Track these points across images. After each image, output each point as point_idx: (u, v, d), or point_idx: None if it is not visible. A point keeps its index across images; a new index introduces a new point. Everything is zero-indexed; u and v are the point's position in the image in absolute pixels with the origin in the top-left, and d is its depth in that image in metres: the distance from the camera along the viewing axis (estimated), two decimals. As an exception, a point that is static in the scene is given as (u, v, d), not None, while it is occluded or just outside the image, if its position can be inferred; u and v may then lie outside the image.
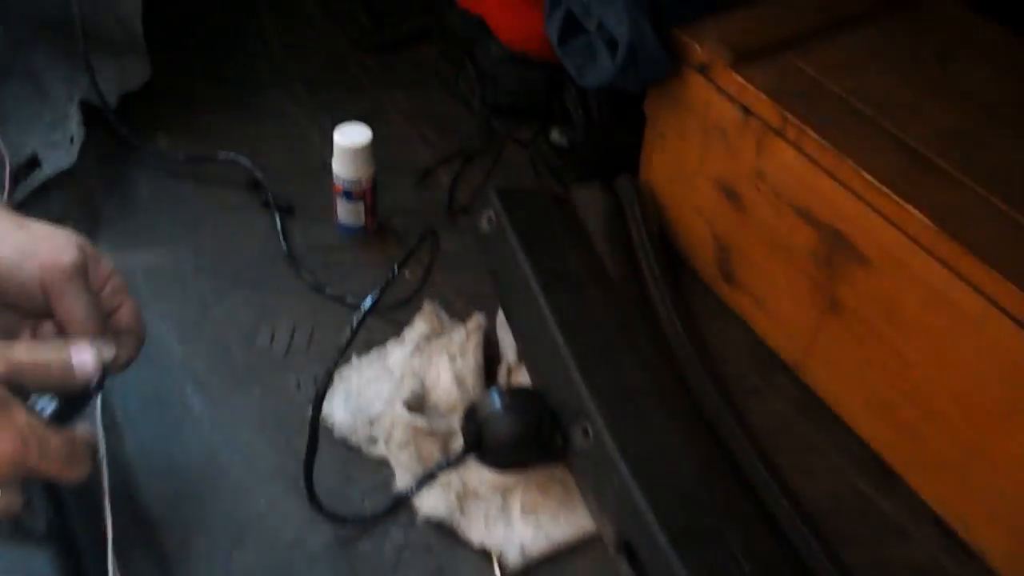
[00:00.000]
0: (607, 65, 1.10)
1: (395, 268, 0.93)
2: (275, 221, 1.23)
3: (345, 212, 1.21)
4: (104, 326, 0.70)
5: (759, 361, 1.12)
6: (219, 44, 1.52)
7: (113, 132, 1.28)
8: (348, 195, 1.19)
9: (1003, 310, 0.81)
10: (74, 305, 0.68)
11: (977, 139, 0.95)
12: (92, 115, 1.26)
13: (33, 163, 1.19)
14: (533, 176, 1.33)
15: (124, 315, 0.74)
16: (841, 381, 1.04)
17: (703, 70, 1.07)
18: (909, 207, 0.87)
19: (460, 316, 1.11)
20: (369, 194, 1.19)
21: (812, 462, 1.02)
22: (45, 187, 1.20)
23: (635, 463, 0.87)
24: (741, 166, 1.06)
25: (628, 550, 0.86)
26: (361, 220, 1.22)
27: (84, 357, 0.63)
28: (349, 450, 0.99)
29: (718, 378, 1.09)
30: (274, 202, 1.24)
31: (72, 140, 1.23)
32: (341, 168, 1.16)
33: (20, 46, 1.30)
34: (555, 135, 1.32)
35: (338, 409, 1.01)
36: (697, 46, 1.06)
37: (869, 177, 0.90)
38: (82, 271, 0.69)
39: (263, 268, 1.18)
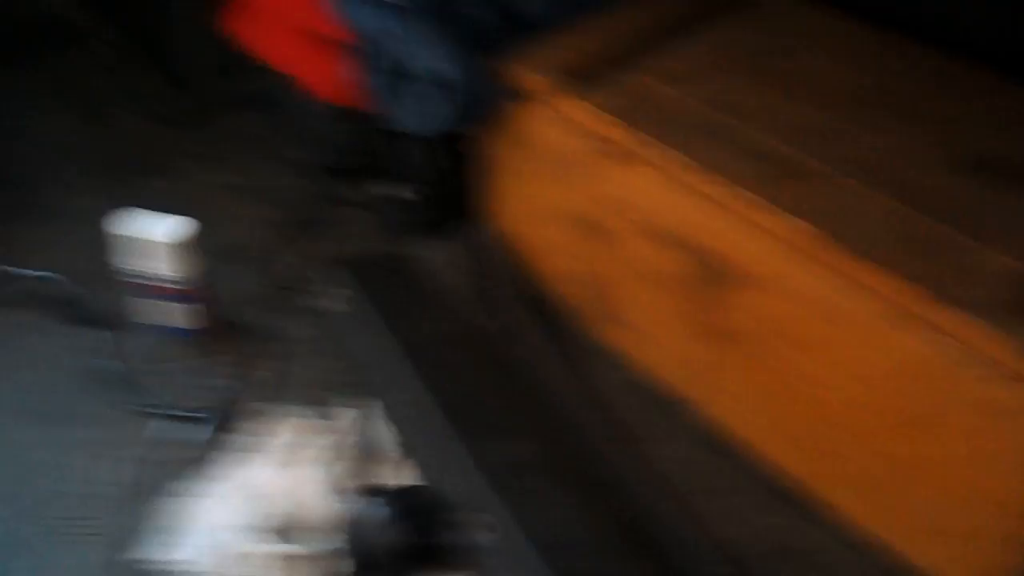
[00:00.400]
0: (444, 111, 1.00)
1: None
2: (97, 339, 1.06)
3: (174, 315, 1.06)
4: None
5: (655, 401, 1.03)
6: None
7: None
8: (178, 297, 1.04)
9: (904, 312, 0.74)
10: None
11: (840, 131, 0.89)
12: None
13: None
14: (383, 238, 1.21)
15: None
16: (747, 411, 0.96)
17: (538, 98, 0.98)
18: (783, 213, 0.80)
19: (330, 415, 0.97)
20: (208, 291, 1.05)
21: (727, 501, 0.94)
22: None
23: (550, 553, 0.76)
24: (597, 196, 0.97)
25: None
26: (198, 322, 1.07)
27: None
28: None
29: (616, 427, 1.00)
30: (91, 318, 1.08)
31: None
32: (165, 268, 1.01)
33: None
34: (389, 187, 1.21)
35: (188, 549, 0.86)
36: (530, 77, 0.97)
37: (735, 188, 0.83)
38: None
39: (84, 396, 1.01)
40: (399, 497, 0.80)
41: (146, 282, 1.02)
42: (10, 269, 1.10)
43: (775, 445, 0.95)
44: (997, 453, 0.74)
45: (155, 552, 0.82)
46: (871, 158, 0.85)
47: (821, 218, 0.79)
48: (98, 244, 1.17)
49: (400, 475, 0.89)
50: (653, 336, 1.02)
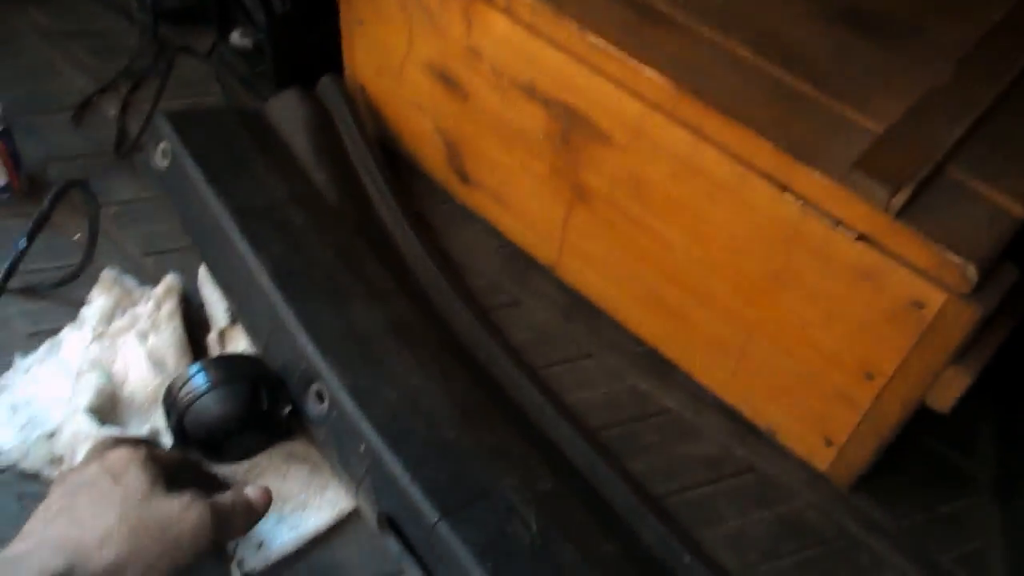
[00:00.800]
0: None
1: (24, 240, 0.70)
2: None
3: (-24, 171, 0.94)
4: None
5: (513, 267, 0.99)
6: None
7: None
8: (-27, 150, 0.92)
9: (758, 171, 0.71)
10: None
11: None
12: None
13: None
14: (220, 92, 1.11)
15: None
16: (603, 275, 0.93)
17: (389, -66, 0.88)
18: (641, 66, 0.74)
19: (153, 279, 0.89)
20: (4, 142, 0.93)
21: (587, 370, 0.92)
22: None
23: (382, 423, 0.72)
24: (452, 45, 0.90)
25: (392, 525, 0.71)
26: (3, 179, 0.95)
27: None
28: (24, 478, 0.77)
29: (470, 295, 0.95)
30: None
31: None
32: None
33: None
34: (236, 38, 1.09)
35: (2, 427, 0.78)
36: (376, -96, 0.87)
37: (593, 37, 0.76)
38: None
39: None
40: (219, 367, 0.73)
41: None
42: None
43: (630, 311, 0.92)
44: (843, 314, 0.72)
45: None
46: (740, 7, 0.80)
47: (679, 71, 0.73)
48: None
49: (230, 344, 0.83)
50: (511, 199, 0.97)
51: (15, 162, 0.96)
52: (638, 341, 0.94)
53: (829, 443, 0.82)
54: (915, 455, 0.89)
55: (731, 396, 0.88)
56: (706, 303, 0.83)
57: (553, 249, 0.96)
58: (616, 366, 0.92)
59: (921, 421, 0.75)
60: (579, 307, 0.96)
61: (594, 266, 0.93)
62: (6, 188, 0.97)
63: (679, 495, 0.83)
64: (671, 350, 0.91)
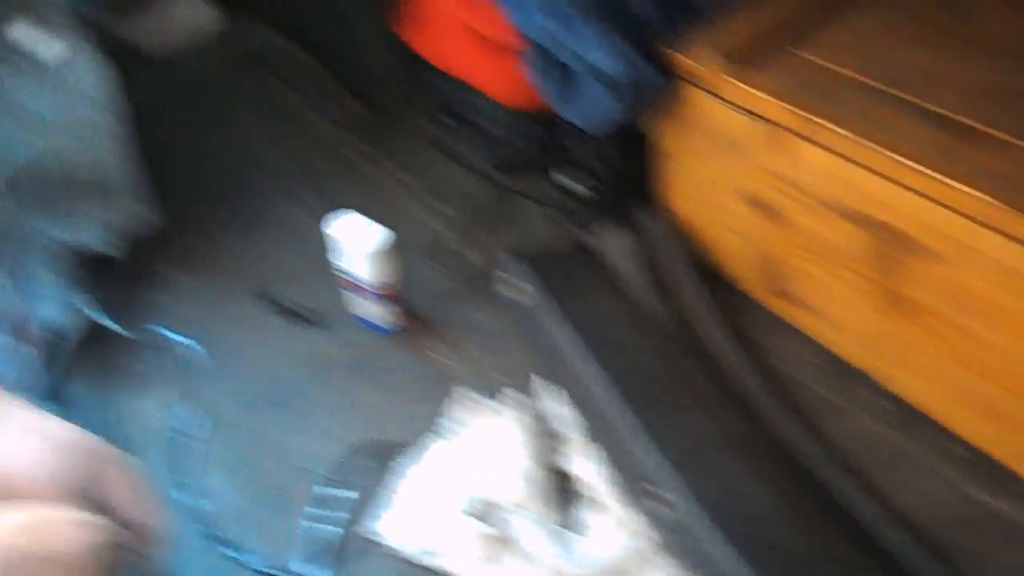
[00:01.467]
0: (611, 106, 1.03)
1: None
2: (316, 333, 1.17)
3: (371, 313, 1.15)
4: None
5: (834, 376, 1.04)
6: (210, 157, 1.48)
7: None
8: (377, 296, 1.13)
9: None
10: None
11: (1013, 91, 0.86)
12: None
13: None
14: (554, 227, 1.27)
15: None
16: (927, 382, 0.95)
17: (702, 85, 1.00)
18: (957, 184, 0.78)
19: (491, 391, 1.04)
20: (399, 295, 1.14)
21: (915, 476, 0.93)
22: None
23: (730, 527, 0.79)
24: (767, 175, 0.98)
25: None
26: (396, 320, 1.16)
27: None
28: (402, 562, 0.92)
29: (794, 405, 1.01)
30: (308, 316, 1.19)
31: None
32: (368, 273, 1.10)
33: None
34: (566, 180, 1.26)
35: (400, 529, 0.94)
36: (691, 61, 0.99)
37: (904, 159, 0.82)
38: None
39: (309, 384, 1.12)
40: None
41: (351, 280, 1.12)
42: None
43: (960, 418, 0.93)
44: None
45: (372, 529, 0.90)
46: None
47: (1001, 187, 0.77)
48: (301, 246, 1.29)
49: (584, 457, 0.95)
50: (829, 311, 1.02)
51: (404, 307, 1.16)
52: (968, 446, 0.94)
53: None
54: None
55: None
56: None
57: (874, 357, 0.99)
58: (946, 473, 0.93)
59: None
60: (904, 415, 0.98)
61: (920, 375, 0.95)
62: (398, 326, 1.17)
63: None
64: (1004, 454, 0.90)
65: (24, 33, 1.16)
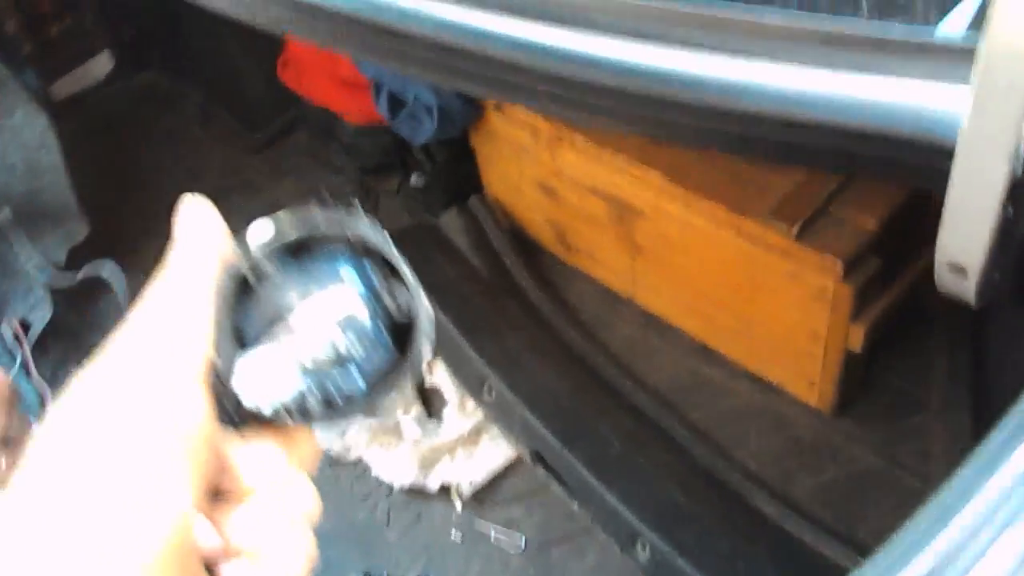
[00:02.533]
0: (429, 126, 1.47)
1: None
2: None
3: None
4: None
5: (607, 301, 1.51)
6: (131, 185, 1.84)
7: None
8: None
9: (723, 224, 1.20)
10: None
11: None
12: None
13: (24, 326, 1.52)
14: (407, 216, 1.70)
15: None
16: (661, 297, 1.43)
17: (498, 109, 1.44)
18: (652, 171, 1.25)
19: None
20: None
21: (659, 360, 1.41)
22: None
23: (532, 403, 1.25)
24: (545, 168, 1.44)
25: (540, 459, 1.24)
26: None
27: None
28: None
29: (578, 321, 1.47)
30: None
31: (44, 296, 1.56)
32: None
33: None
34: (413, 179, 1.69)
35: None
36: (487, 94, 1.44)
37: (620, 156, 1.28)
38: None
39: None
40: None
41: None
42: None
43: (684, 320, 1.42)
44: (789, 301, 1.19)
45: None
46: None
47: (672, 170, 1.24)
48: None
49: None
50: (598, 257, 1.49)
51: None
52: (690, 337, 1.42)
53: (812, 384, 1.27)
54: (883, 392, 1.32)
55: (751, 364, 1.35)
56: (718, 304, 1.31)
57: (628, 285, 1.47)
58: (674, 354, 1.41)
59: (887, 365, 1.20)
60: (652, 322, 1.46)
61: (654, 293, 1.43)
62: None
63: (721, 431, 1.31)
64: (707, 337, 1.39)
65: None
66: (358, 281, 0.38)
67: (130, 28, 1.87)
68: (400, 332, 0.39)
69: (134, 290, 1.62)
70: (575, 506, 1.23)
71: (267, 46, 1.83)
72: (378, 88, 1.51)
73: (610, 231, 1.41)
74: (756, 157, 1.16)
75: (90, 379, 0.35)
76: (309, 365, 0.37)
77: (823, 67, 0.52)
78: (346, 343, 0.37)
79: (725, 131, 0.52)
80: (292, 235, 0.39)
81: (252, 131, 1.91)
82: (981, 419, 1.22)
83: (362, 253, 0.39)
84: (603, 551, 1.20)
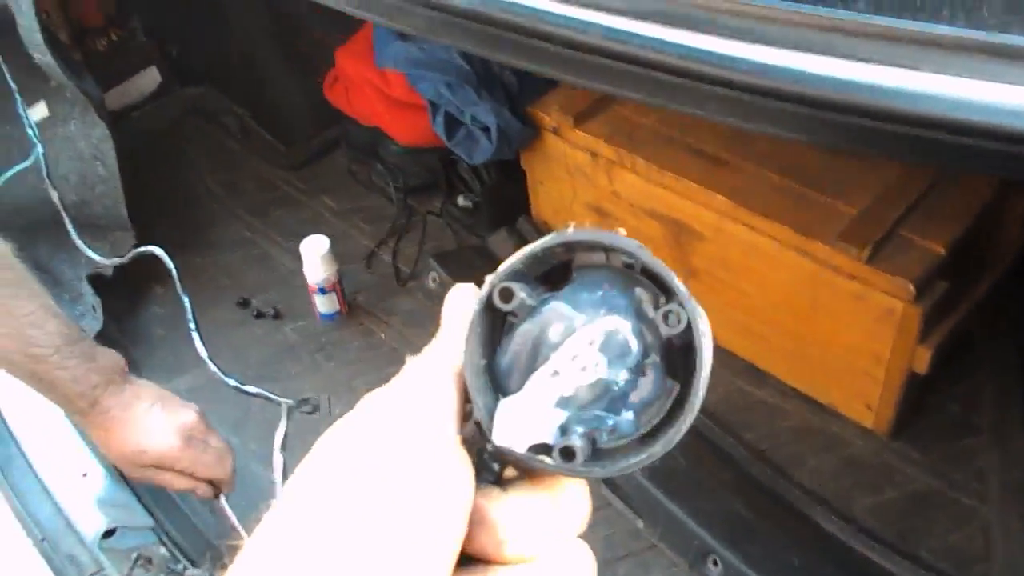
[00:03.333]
0: (486, 145, 1.49)
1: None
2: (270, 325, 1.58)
3: (322, 304, 1.57)
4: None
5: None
6: (173, 198, 1.85)
7: (118, 292, 1.60)
8: (322, 291, 1.55)
9: (794, 248, 1.23)
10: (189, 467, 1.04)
11: (749, 135, 1.37)
12: (96, 283, 1.58)
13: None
14: (452, 236, 1.71)
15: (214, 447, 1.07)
16: (713, 320, 1.45)
17: (555, 132, 1.47)
18: (713, 193, 1.28)
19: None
20: (338, 285, 1.56)
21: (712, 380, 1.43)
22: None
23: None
24: (601, 191, 1.46)
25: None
26: (336, 307, 1.58)
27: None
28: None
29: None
30: (265, 311, 1.60)
31: (94, 308, 1.55)
32: (313, 272, 1.52)
33: (21, 249, 1.61)
34: (460, 200, 1.71)
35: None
36: (547, 117, 1.46)
37: (685, 181, 1.31)
38: (186, 448, 1.02)
39: (282, 363, 1.52)
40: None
41: (312, 285, 1.54)
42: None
43: (728, 338, 1.44)
44: (853, 322, 1.22)
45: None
46: (771, 151, 1.33)
47: (736, 193, 1.27)
48: (262, 262, 1.69)
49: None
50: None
51: (343, 296, 1.58)
52: (739, 359, 1.45)
53: (869, 407, 1.30)
54: (937, 414, 1.34)
55: (805, 386, 1.38)
56: (775, 326, 1.34)
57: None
58: (727, 376, 1.43)
59: (938, 388, 1.23)
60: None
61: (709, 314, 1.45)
62: (338, 313, 1.59)
63: (776, 450, 1.32)
64: (760, 360, 1.42)
65: (39, 112, 1.52)
66: (625, 306, 0.35)
67: (177, 44, 1.88)
68: (674, 361, 0.35)
69: (173, 300, 1.63)
70: (640, 523, 1.24)
71: (310, 65, 1.85)
72: (435, 108, 1.54)
73: (664, 253, 1.43)
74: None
75: (338, 439, 0.33)
76: (572, 402, 0.34)
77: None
78: (612, 375, 0.34)
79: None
80: (547, 261, 0.37)
81: (291, 148, 1.93)
82: (1035, 442, 1.25)
83: (624, 273, 0.35)
84: (669, 568, 1.21)
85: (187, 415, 1.06)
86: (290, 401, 1.37)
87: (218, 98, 1.95)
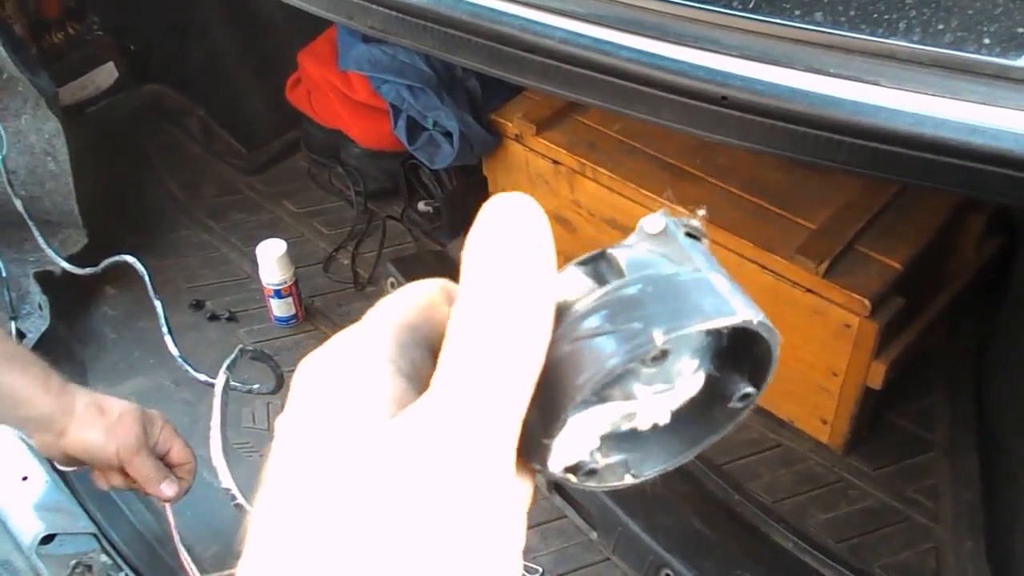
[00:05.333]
0: (448, 150, 1.48)
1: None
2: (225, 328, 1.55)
3: (278, 308, 1.54)
4: (163, 475, 1.02)
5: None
6: (129, 197, 1.81)
7: (69, 292, 1.56)
8: (278, 294, 1.52)
9: (752, 262, 1.22)
10: (140, 469, 0.99)
11: (712, 148, 1.37)
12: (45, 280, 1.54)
13: (20, 335, 1.47)
14: (412, 241, 1.69)
15: (176, 453, 1.05)
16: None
17: (518, 139, 1.46)
18: (673, 205, 1.27)
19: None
20: (294, 289, 1.53)
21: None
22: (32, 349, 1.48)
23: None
24: (562, 200, 1.45)
25: (558, 488, 1.24)
26: (292, 311, 1.55)
27: (165, 493, 1.00)
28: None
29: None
30: (219, 314, 1.57)
31: (40, 307, 1.51)
32: (269, 275, 1.50)
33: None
34: (421, 205, 1.69)
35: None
36: (509, 124, 1.45)
37: (645, 191, 1.31)
38: (143, 441, 0.99)
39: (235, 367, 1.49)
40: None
41: (267, 287, 1.51)
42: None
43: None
44: (810, 336, 1.22)
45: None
46: (732, 165, 1.33)
47: (696, 205, 1.26)
48: (219, 265, 1.66)
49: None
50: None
51: (299, 300, 1.56)
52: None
53: (824, 422, 1.30)
54: (889, 429, 1.35)
55: (762, 400, 1.37)
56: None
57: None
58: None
59: (892, 405, 1.23)
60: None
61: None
62: (293, 317, 1.56)
63: (732, 464, 1.32)
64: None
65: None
66: (709, 368, 0.32)
67: (136, 39, 1.84)
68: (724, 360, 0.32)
69: (126, 302, 1.59)
70: (593, 535, 1.23)
71: (271, 66, 1.83)
72: (397, 112, 1.52)
73: (625, 264, 1.42)
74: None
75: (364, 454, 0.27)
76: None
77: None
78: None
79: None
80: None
81: (252, 150, 1.90)
82: (986, 459, 1.25)
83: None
84: (622, 581, 1.20)
85: (154, 421, 1.04)
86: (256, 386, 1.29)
87: (177, 97, 1.92)
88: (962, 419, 1.32)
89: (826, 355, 1.22)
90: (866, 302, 1.12)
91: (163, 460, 1.04)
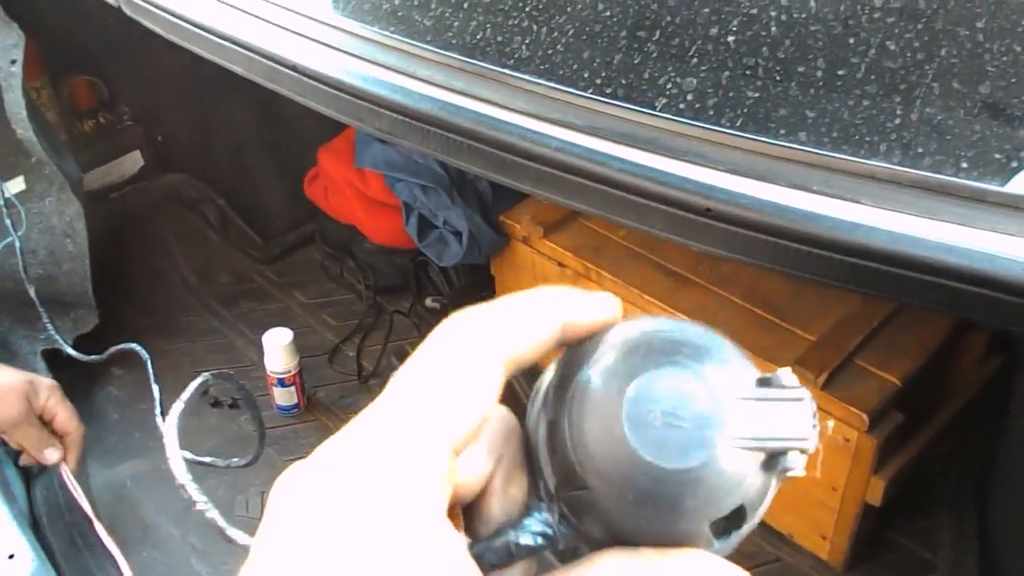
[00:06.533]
0: (456, 249, 1.50)
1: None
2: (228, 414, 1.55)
3: (280, 396, 1.55)
4: (45, 443, 1.16)
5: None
6: (143, 281, 1.84)
7: (76, 371, 1.58)
8: (281, 383, 1.53)
9: (747, 368, 1.23)
10: (23, 439, 1.17)
11: (714, 256, 1.39)
12: (53, 359, 1.56)
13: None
14: (418, 336, 1.71)
15: (61, 420, 1.20)
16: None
17: (525, 241, 1.49)
18: (674, 312, 1.29)
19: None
20: (298, 378, 1.54)
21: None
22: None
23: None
24: (567, 302, 1.47)
25: None
26: (295, 400, 1.56)
27: (49, 459, 1.18)
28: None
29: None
30: (223, 400, 1.57)
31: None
32: (274, 363, 1.51)
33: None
34: (429, 301, 1.71)
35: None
36: (517, 225, 1.48)
37: (648, 297, 1.32)
38: (26, 413, 1.13)
39: (232, 454, 1.49)
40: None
41: (268, 374, 1.52)
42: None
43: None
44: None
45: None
46: (734, 274, 1.35)
47: (698, 313, 1.28)
48: (227, 351, 1.68)
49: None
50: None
51: (302, 390, 1.56)
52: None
53: (824, 537, 1.28)
54: (891, 548, 1.32)
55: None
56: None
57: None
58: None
59: (893, 525, 1.21)
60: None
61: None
62: (296, 406, 1.57)
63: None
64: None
65: (16, 185, 1.53)
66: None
67: (163, 130, 1.91)
68: None
69: (131, 383, 1.61)
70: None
71: (291, 161, 1.89)
72: (409, 210, 1.56)
73: (627, 368, 1.43)
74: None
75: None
76: None
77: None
78: None
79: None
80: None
81: (268, 240, 1.94)
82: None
83: None
84: None
85: (39, 391, 1.19)
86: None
87: (199, 186, 1.97)
88: (965, 540, 1.29)
89: (825, 470, 1.21)
90: (864, 416, 1.12)
91: (49, 426, 1.20)
